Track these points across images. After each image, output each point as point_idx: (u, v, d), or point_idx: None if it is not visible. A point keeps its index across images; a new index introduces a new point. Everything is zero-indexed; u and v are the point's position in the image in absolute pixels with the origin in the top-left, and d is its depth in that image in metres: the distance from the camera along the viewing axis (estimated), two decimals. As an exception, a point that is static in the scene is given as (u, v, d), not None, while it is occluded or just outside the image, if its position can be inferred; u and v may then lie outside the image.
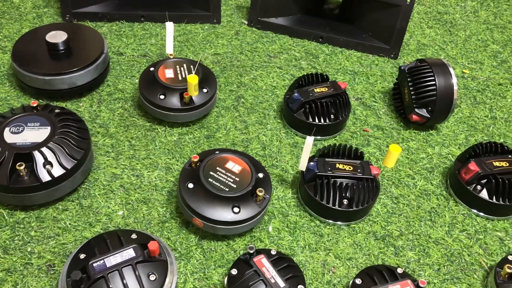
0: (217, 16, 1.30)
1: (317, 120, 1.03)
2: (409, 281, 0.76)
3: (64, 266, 0.73)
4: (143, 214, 0.87)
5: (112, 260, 0.71)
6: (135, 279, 0.70)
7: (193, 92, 0.94)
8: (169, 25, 1.01)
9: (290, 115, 1.05)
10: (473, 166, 0.92)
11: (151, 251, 0.73)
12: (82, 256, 0.73)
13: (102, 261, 0.71)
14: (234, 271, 0.76)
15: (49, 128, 0.87)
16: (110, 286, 0.69)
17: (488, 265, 0.86)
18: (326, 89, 1.05)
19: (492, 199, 0.92)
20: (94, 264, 0.70)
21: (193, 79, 0.91)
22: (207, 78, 1.03)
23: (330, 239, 0.87)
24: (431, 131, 1.09)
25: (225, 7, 1.38)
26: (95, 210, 0.87)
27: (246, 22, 1.33)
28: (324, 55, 1.27)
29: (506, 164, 0.94)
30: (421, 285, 0.75)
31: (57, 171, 0.83)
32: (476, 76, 1.26)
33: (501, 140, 1.10)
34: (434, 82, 1.02)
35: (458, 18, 1.46)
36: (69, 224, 0.84)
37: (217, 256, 0.83)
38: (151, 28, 1.27)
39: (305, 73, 1.11)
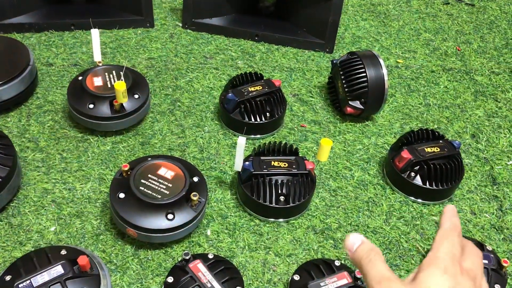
0: (150, 20, 1.28)
1: (253, 119, 1.03)
2: (345, 273, 0.76)
3: (-10, 290, 0.70)
4: (76, 228, 0.85)
5: (39, 279, 0.69)
6: (64, 297, 0.68)
7: (122, 99, 0.92)
8: (94, 32, 0.98)
9: (226, 116, 1.04)
10: (405, 153, 0.94)
11: (81, 266, 0.71)
12: (7, 278, 0.70)
13: (28, 281, 0.68)
14: (170, 279, 0.74)
15: (-31, 147, 0.83)
16: (38, 306, 0.66)
17: (425, 249, 0.88)
18: (261, 87, 1.05)
19: (426, 185, 0.94)
20: (20, 285, 0.68)
21: (120, 86, 0.89)
22: (138, 83, 1.01)
23: (270, 237, 0.87)
24: (367, 122, 1.11)
25: (159, 10, 1.36)
26: (26, 228, 0.84)
27: (180, 25, 1.32)
28: (261, 54, 1.27)
29: (437, 149, 0.96)
30: (357, 275, 0.76)
31: (-20, 191, 0.80)
32: (410, 65, 1.29)
33: (435, 126, 1.13)
34: (364, 74, 1.04)
35: (391, 9, 1.49)
36: (-2, 245, 0.81)
37: (154, 265, 0.81)
38: (82, 36, 1.24)
39: (241, 73, 1.10)
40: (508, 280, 0.83)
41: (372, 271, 0.45)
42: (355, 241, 0.47)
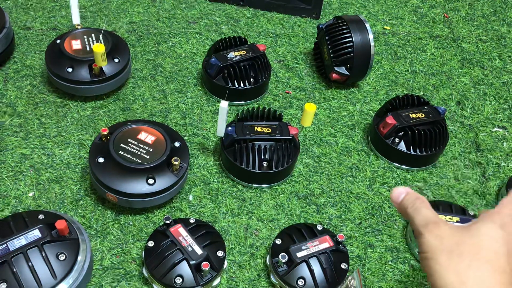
0: (132, -17, 1.24)
1: (236, 85, 1.01)
2: (327, 237, 0.76)
3: (-34, 254, 0.69)
4: (56, 194, 0.83)
5: (16, 243, 0.67)
6: (42, 261, 0.67)
7: (101, 62, 0.89)
8: (72, -7, 0.95)
9: (209, 81, 1.02)
10: (390, 119, 0.93)
11: (59, 230, 0.69)
12: (-17, 242, 0.68)
13: (4, 245, 0.67)
14: (150, 243, 0.74)
15: None
16: (15, 270, 0.65)
17: (408, 214, 0.88)
18: (245, 52, 1.03)
19: (410, 151, 0.93)
20: (-4, 249, 0.66)
21: (98, 48, 0.87)
22: (118, 47, 0.98)
23: (253, 203, 0.87)
24: (352, 89, 1.10)
25: (141, -27, 1.32)
26: (3, 193, 0.82)
27: (163, -11, 1.28)
28: (246, 19, 1.24)
29: (422, 115, 0.95)
30: (339, 239, 0.75)
31: (-45, 156, 0.78)
32: (397, 32, 1.27)
33: (421, 93, 1.12)
34: (350, 39, 1.02)
35: (380, -25, 1.46)
36: (-25, 210, 0.80)
37: (135, 230, 0.80)
38: (61, -1, 1.20)
39: (225, 37, 1.08)
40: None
41: (418, 216, 0.46)
42: (401, 191, 0.49)
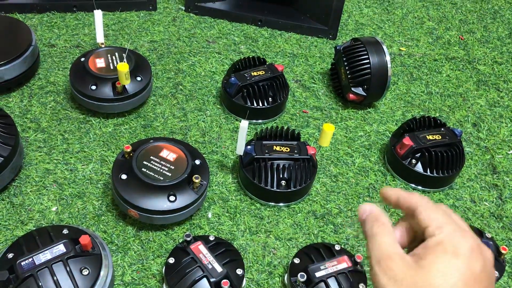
0: (153, 3, 1.27)
1: (255, 104, 1.03)
2: (345, 257, 0.77)
3: (-8, 267, 0.70)
4: (78, 209, 0.85)
5: (42, 257, 0.69)
6: (66, 275, 0.68)
7: (125, 80, 0.91)
8: (97, 13, 0.98)
9: (228, 100, 1.04)
10: (407, 140, 0.94)
11: (83, 245, 0.71)
12: (10, 255, 0.70)
13: (30, 259, 0.68)
14: (171, 260, 0.75)
15: (-29, 125, 0.83)
16: (40, 284, 0.66)
17: (424, 236, 0.88)
18: (263, 72, 1.05)
19: (427, 172, 0.94)
20: (22, 263, 0.68)
21: (123, 67, 0.89)
22: (140, 66, 1.00)
23: (271, 221, 0.88)
24: (369, 109, 1.11)
25: (162, -7, 1.35)
26: (27, 207, 0.84)
27: (183, 8, 1.31)
28: (264, 39, 1.26)
29: (439, 137, 0.96)
30: (357, 260, 0.76)
31: (-18, 170, 0.80)
32: (413, 53, 1.29)
33: (437, 114, 1.13)
34: (368, 61, 1.03)
35: (395, -4, 1.48)
36: (-1, 224, 0.81)
37: (155, 246, 0.81)
38: (84, 18, 1.23)
39: (244, 57, 1.10)
40: (506, 268, 0.84)
41: (374, 247, 0.40)
42: (365, 208, 0.44)
